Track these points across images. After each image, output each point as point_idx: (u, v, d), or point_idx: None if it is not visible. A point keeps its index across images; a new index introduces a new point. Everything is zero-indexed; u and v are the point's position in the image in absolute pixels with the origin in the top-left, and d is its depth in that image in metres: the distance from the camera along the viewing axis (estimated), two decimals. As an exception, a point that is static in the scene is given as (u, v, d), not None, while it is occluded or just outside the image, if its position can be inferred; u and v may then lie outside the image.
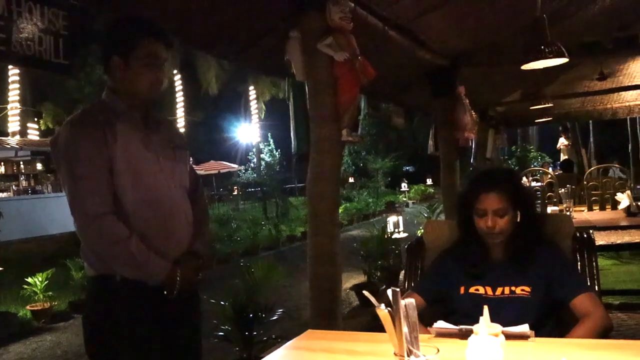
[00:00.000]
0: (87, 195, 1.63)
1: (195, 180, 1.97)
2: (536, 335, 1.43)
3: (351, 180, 20.81)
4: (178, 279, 1.71)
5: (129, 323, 1.68)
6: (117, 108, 1.73)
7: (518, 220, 1.79)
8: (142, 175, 1.71)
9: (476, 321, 1.28)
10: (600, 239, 3.58)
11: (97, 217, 1.62)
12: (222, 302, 3.58)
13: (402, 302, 1.11)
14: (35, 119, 16.11)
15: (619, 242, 3.67)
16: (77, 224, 1.66)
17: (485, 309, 1.29)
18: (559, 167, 9.89)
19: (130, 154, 1.69)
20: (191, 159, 2.02)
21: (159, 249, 1.70)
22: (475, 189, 1.82)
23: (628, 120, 12.41)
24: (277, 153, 20.26)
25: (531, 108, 6.60)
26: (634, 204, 4.30)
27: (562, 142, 13.26)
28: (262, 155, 20.90)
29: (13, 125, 14.95)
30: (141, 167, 1.71)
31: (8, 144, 13.86)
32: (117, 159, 1.66)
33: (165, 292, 1.71)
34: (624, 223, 4.11)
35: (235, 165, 24.01)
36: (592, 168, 8.97)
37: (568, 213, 4.18)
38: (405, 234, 5.85)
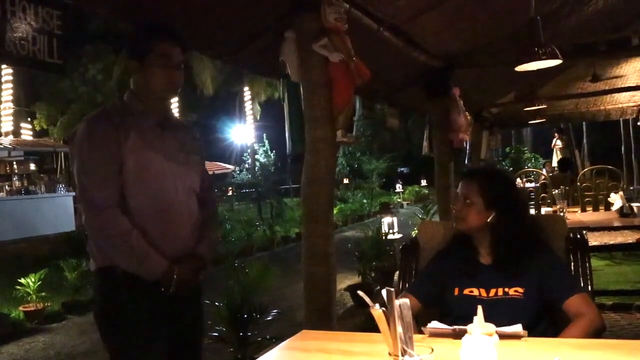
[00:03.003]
0: (95, 188, 1.72)
1: (208, 184, 2.03)
2: (530, 336, 1.44)
3: (346, 181, 20.82)
4: (175, 277, 1.75)
5: (132, 313, 1.75)
6: (134, 109, 1.82)
7: (488, 220, 1.77)
8: (149, 175, 1.77)
9: (470, 322, 1.29)
10: (594, 239, 3.60)
11: (103, 209, 1.70)
12: (217, 303, 3.57)
13: (397, 302, 1.11)
14: (29, 119, 16.06)
15: (612, 242, 3.69)
16: (84, 215, 1.75)
17: (479, 308, 1.29)
18: (556, 167, 9.95)
19: (139, 153, 1.76)
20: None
21: (159, 247, 1.75)
22: (460, 178, 1.93)
23: (621, 121, 12.49)
24: (272, 154, 20.27)
25: (525, 109, 6.63)
26: (626, 205, 4.33)
27: (558, 143, 13.35)
28: (256, 156, 20.91)
29: (6, 125, 14.89)
30: (149, 167, 1.78)
31: (1, 144, 13.81)
32: (127, 157, 1.74)
33: (162, 289, 1.76)
34: (617, 224, 4.14)
35: (230, 166, 23.98)
36: (586, 169, 9.01)
37: (561, 214, 4.20)
38: (400, 235, 5.85)
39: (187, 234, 1.84)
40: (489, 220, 1.78)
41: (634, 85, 7.12)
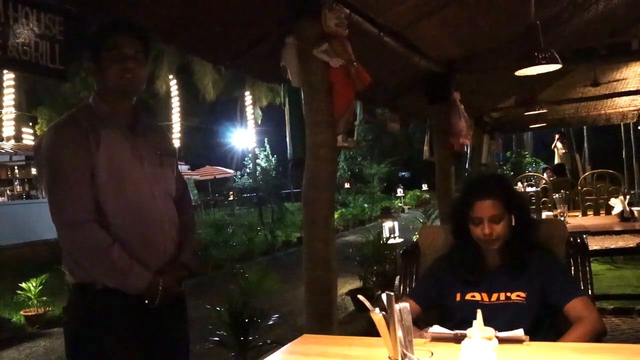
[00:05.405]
0: (68, 202, 1.61)
1: (183, 187, 1.93)
2: (531, 340, 1.44)
3: (347, 185, 20.80)
4: (160, 288, 1.67)
5: (109, 332, 1.65)
6: (102, 112, 1.71)
7: (513, 224, 1.80)
8: (124, 182, 1.67)
9: (472, 327, 1.29)
10: (594, 243, 3.61)
11: (78, 224, 1.60)
12: (218, 307, 3.58)
13: (397, 307, 1.11)
14: (30, 124, 16.08)
15: (612, 247, 3.70)
16: (58, 231, 1.64)
17: (479, 312, 1.30)
18: (552, 171, 9.97)
19: (113, 160, 1.66)
20: (185, 166, 2.00)
21: (141, 258, 1.66)
22: (468, 197, 1.82)
23: (622, 125, 12.50)
24: (273, 158, 20.28)
25: (526, 114, 6.63)
26: (627, 209, 4.32)
27: (558, 146, 13.34)
28: (258, 161, 20.92)
29: (8, 129, 14.90)
30: (124, 173, 1.68)
31: (3, 149, 13.83)
32: (100, 165, 1.63)
33: (146, 302, 1.67)
34: (617, 228, 4.13)
35: (231, 171, 24.00)
36: (587, 173, 9.01)
37: (562, 218, 4.20)
38: (401, 240, 5.84)
39: (168, 241, 1.75)
40: (513, 224, 1.79)
41: (634, 89, 7.13)
